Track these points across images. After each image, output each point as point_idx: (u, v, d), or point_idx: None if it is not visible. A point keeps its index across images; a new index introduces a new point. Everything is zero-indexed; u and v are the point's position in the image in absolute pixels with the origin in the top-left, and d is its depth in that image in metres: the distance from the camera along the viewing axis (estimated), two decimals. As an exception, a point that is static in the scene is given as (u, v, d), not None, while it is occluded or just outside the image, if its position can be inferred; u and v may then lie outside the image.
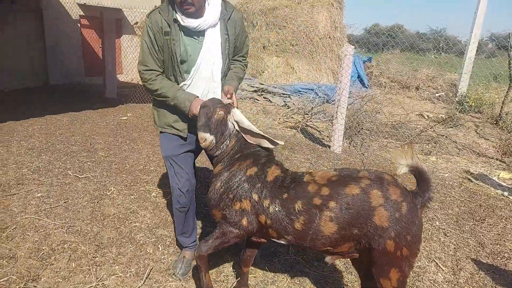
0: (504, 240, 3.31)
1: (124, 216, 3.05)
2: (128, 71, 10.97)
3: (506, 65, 7.79)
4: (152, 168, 4.22)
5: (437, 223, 3.52)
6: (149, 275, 2.33)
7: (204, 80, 2.14)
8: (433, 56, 13.25)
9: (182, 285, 2.28)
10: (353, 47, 5.13)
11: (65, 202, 3.22)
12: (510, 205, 4.04)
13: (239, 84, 2.22)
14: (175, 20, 2.01)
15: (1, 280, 2.13)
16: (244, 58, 2.33)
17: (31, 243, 2.55)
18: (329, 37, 11.55)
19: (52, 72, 9.61)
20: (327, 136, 6.37)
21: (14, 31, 8.73)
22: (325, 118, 7.59)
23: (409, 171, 1.70)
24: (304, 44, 11.21)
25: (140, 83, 8.52)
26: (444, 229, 3.41)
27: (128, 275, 2.31)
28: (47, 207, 3.11)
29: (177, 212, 2.33)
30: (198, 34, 2.07)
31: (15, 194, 3.29)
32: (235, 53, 2.25)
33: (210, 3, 2.05)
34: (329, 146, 5.68)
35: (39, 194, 3.33)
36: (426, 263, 2.86)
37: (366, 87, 11.58)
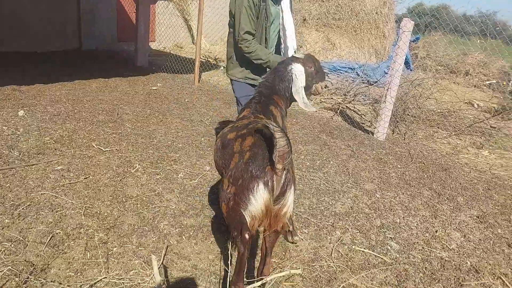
0: None
1: (148, 199, 2.76)
2: (162, 39, 10.65)
3: None
4: (180, 145, 3.91)
5: (499, 230, 3.05)
6: (167, 274, 2.04)
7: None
8: (478, 41, 12.06)
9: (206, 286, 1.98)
10: (413, 23, 4.50)
11: (86, 178, 2.97)
12: None
13: None
14: None
15: (5, 269, 1.86)
16: None
17: (45, 225, 2.29)
18: (376, 13, 10.66)
19: (85, 36, 9.42)
20: (369, 121, 5.85)
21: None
22: (366, 100, 7.01)
23: None
24: (348, 18, 10.40)
25: (173, 52, 8.12)
26: (507, 238, 2.94)
27: (148, 272, 2.01)
28: (66, 182, 2.86)
29: None
30: (277, 2, 2.62)
31: (34, 165, 3.06)
32: None
33: None
34: (372, 133, 5.17)
35: (60, 167, 3.08)
36: (491, 280, 2.43)
37: (411, 70, 10.72)
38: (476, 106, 7.67)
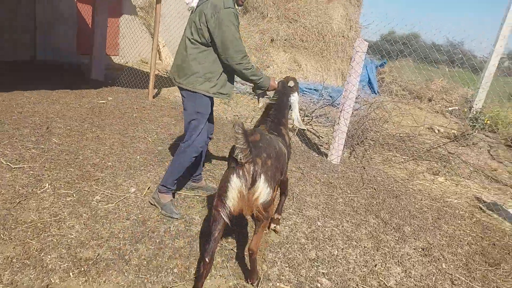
0: (525, 296, 2.62)
1: (44, 226, 2.37)
2: (126, 53, 10.31)
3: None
4: (109, 164, 3.54)
5: (443, 265, 2.83)
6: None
7: None
8: (447, 69, 12.42)
9: None
10: (367, 43, 4.40)
11: (-24, 199, 2.56)
12: (530, 247, 3.32)
13: None
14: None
15: None
16: None
17: None
18: (343, 36, 10.77)
19: (41, 47, 8.95)
20: (327, 143, 5.67)
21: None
22: (327, 122, 6.87)
23: None
24: (315, 41, 10.44)
25: (135, 66, 7.74)
26: (451, 274, 2.72)
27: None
28: None
29: (188, 161, 2.82)
30: None
31: None
32: None
33: None
34: (327, 155, 4.97)
35: (-52, 186, 2.66)
36: (428, 325, 2.18)
37: (376, 94, 10.80)
38: (436, 131, 7.69)
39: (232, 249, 2.55)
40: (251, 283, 2.21)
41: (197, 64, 2.63)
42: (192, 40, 2.62)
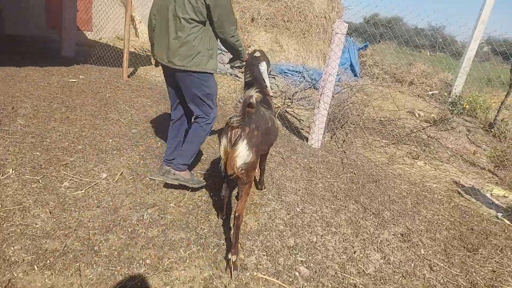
0: (500, 281, 2.66)
1: (6, 215, 2.21)
2: (100, 29, 9.82)
3: (500, 71, 7.16)
4: (80, 147, 3.35)
5: (422, 251, 2.84)
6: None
7: None
8: (428, 54, 12.48)
9: None
10: (347, 25, 4.28)
11: None
12: (506, 231, 3.39)
13: None
14: None
15: None
16: None
17: None
18: (324, 17, 10.59)
19: (8, 20, 8.38)
20: (308, 127, 5.59)
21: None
22: (308, 105, 6.79)
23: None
24: (296, 21, 10.22)
25: (109, 43, 7.35)
26: (430, 260, 2.73)
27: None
28: None
29: (205, 137, 2.92)
30: None
31: None
32: None
33: None
34: (307, 139, 4.91)
35: None
36: (406, 313, 2.17)
37: (358, 77, 10.76)
38: (417, 115, 7.74)
39: (208, 238, 2.46)
40: (232, 255, 2.17)
41: (199, 42, 2.62)
42: (189, 20, 2.55)
